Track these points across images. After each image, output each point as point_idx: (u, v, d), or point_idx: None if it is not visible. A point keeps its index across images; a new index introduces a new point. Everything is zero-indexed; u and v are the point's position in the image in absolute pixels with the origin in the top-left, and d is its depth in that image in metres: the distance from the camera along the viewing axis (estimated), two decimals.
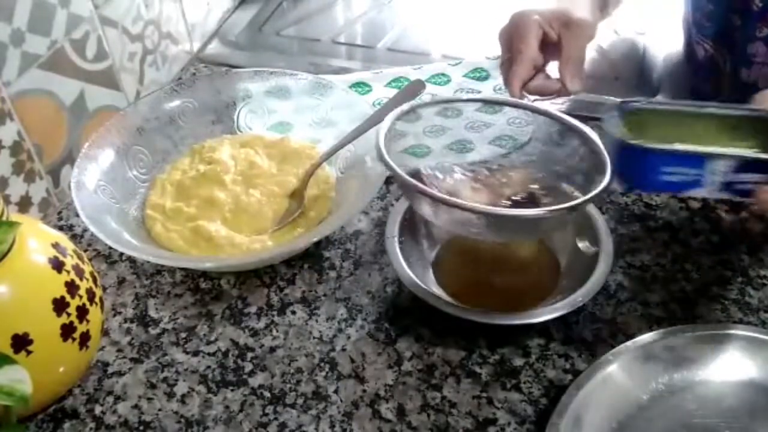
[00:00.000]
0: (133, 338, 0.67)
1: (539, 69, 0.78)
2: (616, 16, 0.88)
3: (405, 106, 0.68)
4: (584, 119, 0.67)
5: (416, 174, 0.65)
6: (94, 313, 0.59)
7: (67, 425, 0.61)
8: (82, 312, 0.57)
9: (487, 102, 0.78)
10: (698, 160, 0.61)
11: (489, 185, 0.66)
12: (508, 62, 0.77)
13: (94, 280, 0.60)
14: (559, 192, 0.64)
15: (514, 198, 0.65)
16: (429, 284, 0.67)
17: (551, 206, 0.60)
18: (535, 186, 0.66)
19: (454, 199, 0.59)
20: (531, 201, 0.65)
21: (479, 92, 0.90)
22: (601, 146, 0.64)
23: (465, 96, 0.88)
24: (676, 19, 0.99)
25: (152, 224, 0.73)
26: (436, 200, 0.59)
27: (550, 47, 0.77)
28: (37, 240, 0.57)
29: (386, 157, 0.61)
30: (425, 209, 0.62)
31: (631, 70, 0.98)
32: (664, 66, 0.98)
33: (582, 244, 0.67)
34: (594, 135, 0.64)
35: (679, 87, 0.96)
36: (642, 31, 1.04)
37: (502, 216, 0.60)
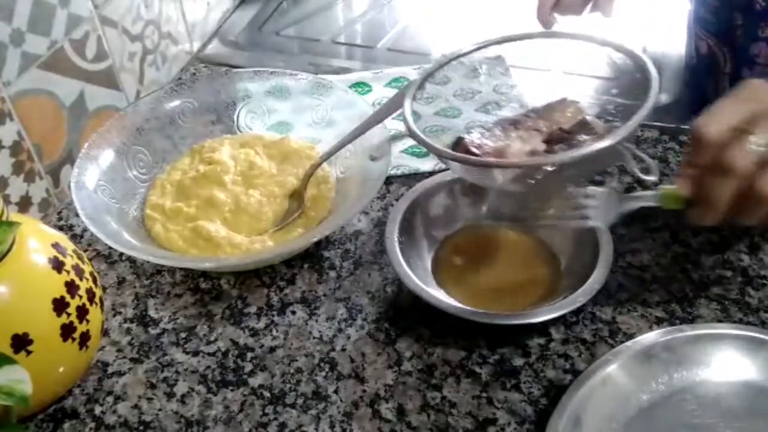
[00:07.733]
0: (133, 338, 0.67)
1: None
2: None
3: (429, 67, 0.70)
4: None
5: (458, 142, 0.65)
6: (94, 313, 0.59)
7: (67, 425, 0.61)
8: (82, 312, 0.57)
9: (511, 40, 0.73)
10: None
11: (536, 129, 0.64)
12: None
13: (94, 280, 0.60)
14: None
15: (565, 131, 0.63)
16: (429, 284, 0.67)
17: (612, 134, 0.57)
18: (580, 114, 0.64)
19: (505, 160, 0.60)
20: (585, 128, 0.63)
21: (479, 92, 0.89)
22: (647, 61, 0.63)
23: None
24: (676, 19, 0.99)
25: (152, 224, 0.73)
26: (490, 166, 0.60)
27: None
28: (37, 240, 0.56)
29: (419, 134, 0.62)
30: (484, 178, 0.62)
31: (631, 70, 0.98)
32: (664, 66, 0.98)
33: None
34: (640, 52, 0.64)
35: (679, 87, 0.96)
36: (642, 31, 1.04)
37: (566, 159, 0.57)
